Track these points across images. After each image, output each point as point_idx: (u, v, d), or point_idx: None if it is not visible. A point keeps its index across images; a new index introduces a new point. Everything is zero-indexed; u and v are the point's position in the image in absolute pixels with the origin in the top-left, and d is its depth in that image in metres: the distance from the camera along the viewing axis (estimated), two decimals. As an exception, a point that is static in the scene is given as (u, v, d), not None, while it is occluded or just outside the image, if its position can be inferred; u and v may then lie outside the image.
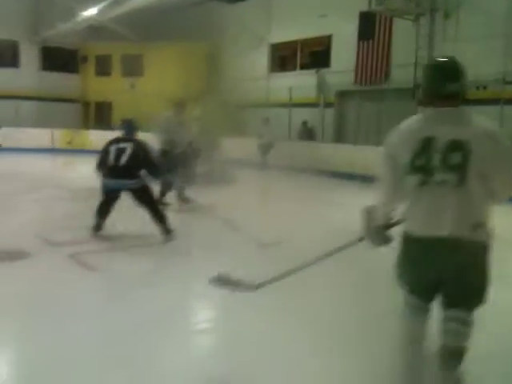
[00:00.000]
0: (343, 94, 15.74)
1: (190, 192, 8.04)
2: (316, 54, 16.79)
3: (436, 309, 2.67)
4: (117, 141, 5.94)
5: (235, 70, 18.50)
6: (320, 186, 11.18)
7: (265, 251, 5.67)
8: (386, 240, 2.72)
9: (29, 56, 19.85)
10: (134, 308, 3.86)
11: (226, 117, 17.92)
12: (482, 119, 2.50)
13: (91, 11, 16.79)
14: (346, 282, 4.61)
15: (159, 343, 3.30)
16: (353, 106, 15.24)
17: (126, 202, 5.94)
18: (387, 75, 14.08)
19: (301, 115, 15.59)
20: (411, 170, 2.50)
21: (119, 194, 5.90)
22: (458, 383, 2.65)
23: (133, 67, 19.75)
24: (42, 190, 9.27)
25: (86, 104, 20.16)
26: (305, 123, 15.54)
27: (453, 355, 2.57)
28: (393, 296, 2.99)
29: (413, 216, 2.58)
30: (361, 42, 14.66)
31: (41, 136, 17.76)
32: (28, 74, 19.38)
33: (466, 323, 2.56)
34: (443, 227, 2.45)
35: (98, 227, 5.93)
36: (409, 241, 2.60)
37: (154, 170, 5.94)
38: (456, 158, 2.41)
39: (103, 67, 20.15)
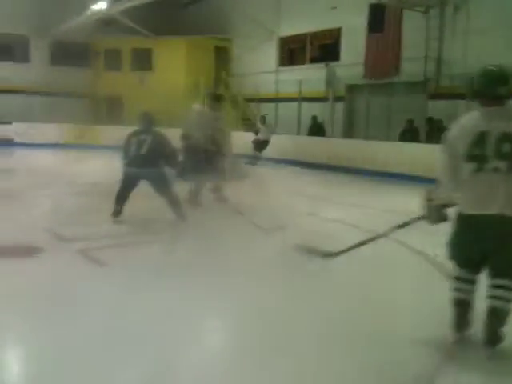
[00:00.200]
0: (353, 88, 15.65)
1: (224, 191, 7.90)
2: (325, 48, 16.70)
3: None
4: (137, 133, 6.48)
5: (244, 64, 18.53)
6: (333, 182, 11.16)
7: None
8: (443, 218, 3.28)
9: (39, 51, 19.92)
10: (146, 304, 3.84)
11: (236, 111, 18.04)
12: None
13: (101, 5, 16.80)
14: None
15: (172, 339, 3.31)
16: (363, 100, 15.16)
17: (137, 199, 6.00)
18: (397, 68, 13.96)
19: (310, 109, 15.52)
20: (468, 158, 3.04)
21: (138, 182, 6.39)
22: (501, 341, 3.12)
23: (142, 62, 19.75)
24: (53, 185, 9.32)
25: (96, 99, 20.21)
26: (315, 118, 15.51)
27: (498, 316, 3.10)
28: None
29: (467, 197, 3.11)
30: (370, 35, 14.54)
31: (51, 131, 17.87)
32: (38, 68, 19.45)
33: (511, 289, 3.10)
34: (493, 206, 3.00)
35: (117, 213, 6.40)
36: (462, 219, 3.15)
37: (172, 160, 6.54)
38: (506, 147, 2.97)
39: (113, 62, 20.16)
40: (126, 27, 18.36)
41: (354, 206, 8.18)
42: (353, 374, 2.96)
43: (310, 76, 15.43)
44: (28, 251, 5.13)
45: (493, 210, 3.00)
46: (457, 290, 3.26)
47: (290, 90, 15.99)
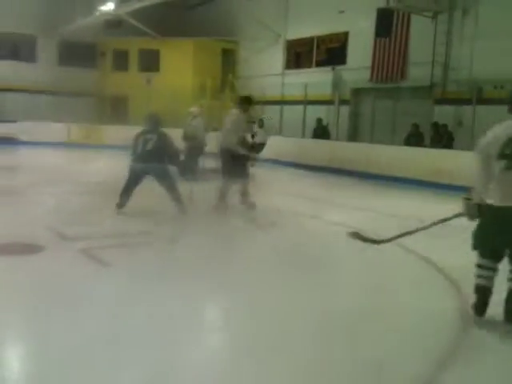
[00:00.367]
0: (359, 92, 15.63)
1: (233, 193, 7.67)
2: (332, 51, 16.66)
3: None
4: (144, 132, 7.00)
5: (251, 66, 18.53)
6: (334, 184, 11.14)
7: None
8: (479, 214, 3.60)
9: (46, 51, 20.01)
10: (146, 303, 3.83)
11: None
12: None
13: (109, 5, 16.87)
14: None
15: (175, 340, 3.29)
16: (368, 104, 15.14)
17: (140, 197, 6.01)
18: (404, 73, 13.95)
19: (315, 112, 15.50)
20: (500, 156, 3.47)
21: (143, 178, 6.83)
22: None
23: (150, 63, 19.81)
24: (58, 184, 9.32)
25: (103, 99, 20.27)
26: (319, 120, 15.47)
27: None
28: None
29: (497, 191, 3.52)
30: (378, 39, 14.52)
31: (57, 130, 17.92)
32: (45, 68, 19.52)
33: None
34: None
35: (121, 205, 6.81)
36: (491, 211, 3.54)
37: (175, 159, 7.14)
38: None
39: (120, 62, 20.22)
40: (133, 28, 18.40)
41: (357, 209, 8.15)
42: (352, 374, 2.94)
43: (316, 79, 15.43)
44: (30, 249, 5.13)
45: None
46: (479, 276, 3.63)
47: (295, 92, 15.99)
